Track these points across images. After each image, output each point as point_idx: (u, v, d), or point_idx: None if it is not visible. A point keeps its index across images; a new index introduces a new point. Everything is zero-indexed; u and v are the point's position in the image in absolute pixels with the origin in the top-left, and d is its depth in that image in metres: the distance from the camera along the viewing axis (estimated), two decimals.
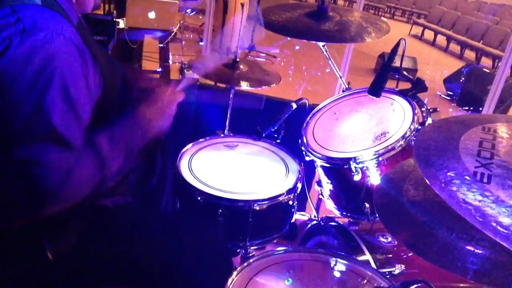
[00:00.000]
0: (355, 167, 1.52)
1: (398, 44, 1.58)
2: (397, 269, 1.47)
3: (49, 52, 0.95)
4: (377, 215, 1.32)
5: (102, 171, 1.07)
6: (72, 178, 0.99)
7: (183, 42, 5.31)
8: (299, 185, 1.66)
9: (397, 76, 1.69)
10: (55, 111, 0.96)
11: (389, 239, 1.60)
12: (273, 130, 1.68)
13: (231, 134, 2.06)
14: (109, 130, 1.12)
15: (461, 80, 6.41)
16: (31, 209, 0.98)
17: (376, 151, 1.52)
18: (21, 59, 0.93)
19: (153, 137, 1.23)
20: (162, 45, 4.76)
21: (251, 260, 1.27)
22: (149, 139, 1.21)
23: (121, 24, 4.35)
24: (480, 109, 3.94)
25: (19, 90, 0.93)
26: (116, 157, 1.11)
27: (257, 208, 1.52)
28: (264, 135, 1.66)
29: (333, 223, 1.73)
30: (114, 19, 4.01)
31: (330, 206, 1.79)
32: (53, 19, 0.99)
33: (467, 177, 0.81)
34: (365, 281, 1.24)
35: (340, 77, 2.15)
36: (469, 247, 0.95)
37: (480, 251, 0.94)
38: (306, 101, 1.78)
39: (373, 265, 1.45)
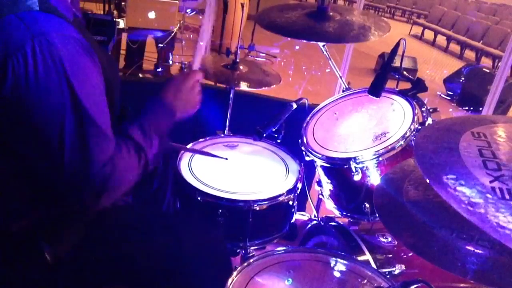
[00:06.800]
0: (355, 167, 1.52)
1: (398, 44, 1.58)
2: (397, 269, 1.47)
3: (60, 53, 0.96)
4: (377, 215, 1.32)
5: (141, 157, 1.14)
6: (117, 166, 1.05)
7: (183, 42, 5.31)
8: (299, 185, 1.66)
9: (397, 76, 1.69)
10: (87, 101, 0.99)
11: (389, 239, 1.60)
12: (273, 130, 1.68)
13: (231, 134, 2.06)
14: (137, 121, 1.20)
15: (461, 80, 6.41)
16: (86, 202, 1.04)
17: (376, 151, 1.52)
18: (39, 71, 0.94)
19: (180, 118, 1.31)
20: (162, 45, 4.75)
21: (251, 260, 1.26)
22: (176, 121, 1.29)
23: (121, 24, 4.36)
24: (480, 109, 3.94)
25: (52, 96, 0.95)
26: (150, 143, 1.18)
27: (257, 208, 1.52)
28: (264, 135, 1.66)
29: (333, 223, 1.73)
30: (114, 19, 4.02)
31: (330, 206, 1.79)
32: (52, 21, 0.99)
33: (488, 195, 0.75)
34: (365, 281, 1.24)
35: (340, 77, 2.15)
36: (469, 247, 0.94)
37: (480, 251, 0.93)
38: (306, 101, 1.78)
39: (373, 265, 1.45)
